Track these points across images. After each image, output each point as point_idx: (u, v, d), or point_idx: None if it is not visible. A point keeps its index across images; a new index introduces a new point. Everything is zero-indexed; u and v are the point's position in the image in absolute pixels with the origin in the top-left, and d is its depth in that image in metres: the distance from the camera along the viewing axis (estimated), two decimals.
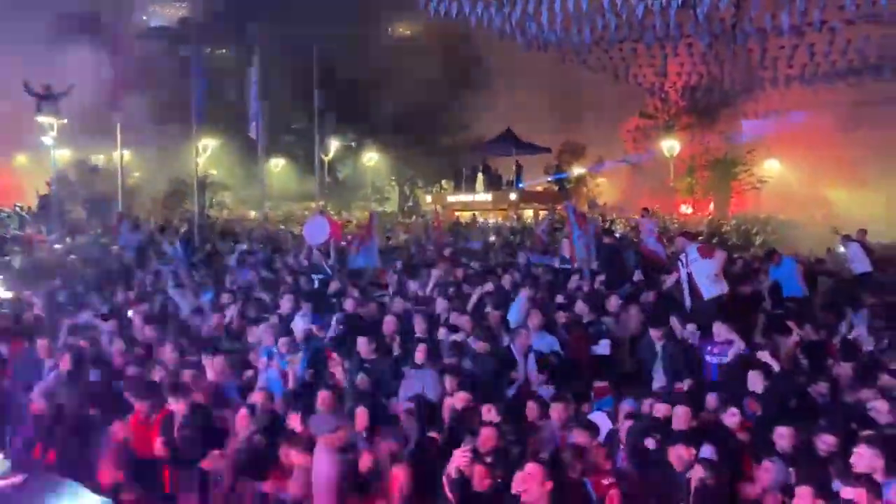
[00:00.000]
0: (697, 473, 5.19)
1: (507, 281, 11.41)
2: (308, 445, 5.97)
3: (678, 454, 5.53)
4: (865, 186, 33.96)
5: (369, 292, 11.40)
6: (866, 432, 5.73)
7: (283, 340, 8.62)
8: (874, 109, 31.83)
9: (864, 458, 4.88)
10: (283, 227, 27.87)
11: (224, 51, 39.92)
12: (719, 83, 33.65)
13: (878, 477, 4.84)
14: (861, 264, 14.32)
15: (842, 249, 16.16)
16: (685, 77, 34.24)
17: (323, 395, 7.10)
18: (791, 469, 5.44)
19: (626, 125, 41.48)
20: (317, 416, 6.55)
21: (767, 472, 5.32)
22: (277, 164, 41.43)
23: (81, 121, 29.99)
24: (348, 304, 10.09)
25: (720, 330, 8.32)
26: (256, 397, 7.04)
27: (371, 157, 43.02)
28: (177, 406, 6.86)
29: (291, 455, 5.83)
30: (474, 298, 10.28)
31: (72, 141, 31.81)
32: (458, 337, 8.68)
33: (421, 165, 43.19)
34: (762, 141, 37.96)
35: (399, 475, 5.06)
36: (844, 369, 7.84)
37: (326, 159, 37.13)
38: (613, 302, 9.81)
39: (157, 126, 33.11)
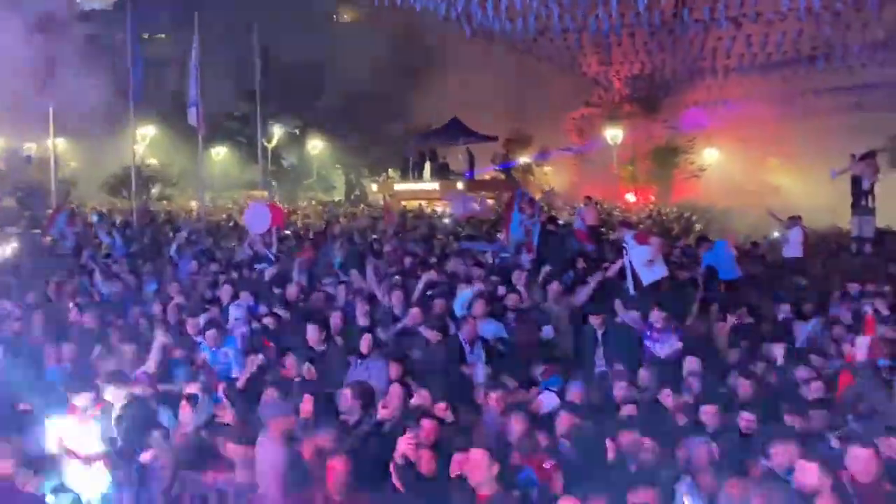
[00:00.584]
0: (639, 453, 5.29)
1: (454, 268, 11.44)
2: (248, 436, 5.90)
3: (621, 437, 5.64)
4: (801, 174, 35.10)
5: (316, 281, 11.31)
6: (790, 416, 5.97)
7: (211, 334, 8.47)
8: (808, 99, 32.87)
9: (781, 454, 5.03)
10: (224, 216, 27.37)
11: (163, 36, 38.89)
12: (661, 73, 34.30)
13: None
14: (795, 249, 14.80)
15: (777, 234, 16.68)
16: (628, 66, 34.78)
17: (267, 395, 7.05)
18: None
19: (571, 114, 41.89)
20: (264, 404, 6.48)
21: (698, 451, 5.47)
22: (220, 152, 40.64)
23: (12, 108, 28.83)
24: (290, 293, 9.98)
25: (657, 317, 8.52)
26: (196, 388, 6.92)
27: (316, 146, 42.54)
28: (115, 398, 6.70)
29: (229, 448, 5.75)
30: (420, 287, 10.27)
31: (2, 129, 30.60)
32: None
33: (367, 153, 42.90)
34: (702, 130, 38.82)
35: (336, 465, 5.03)
36: (776, 350, 8.10)
37: (270, 147, 36.56)
38: (555, 288, 9.93)
39: (92, 114, 32.08)
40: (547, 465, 5.23)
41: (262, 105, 29.86)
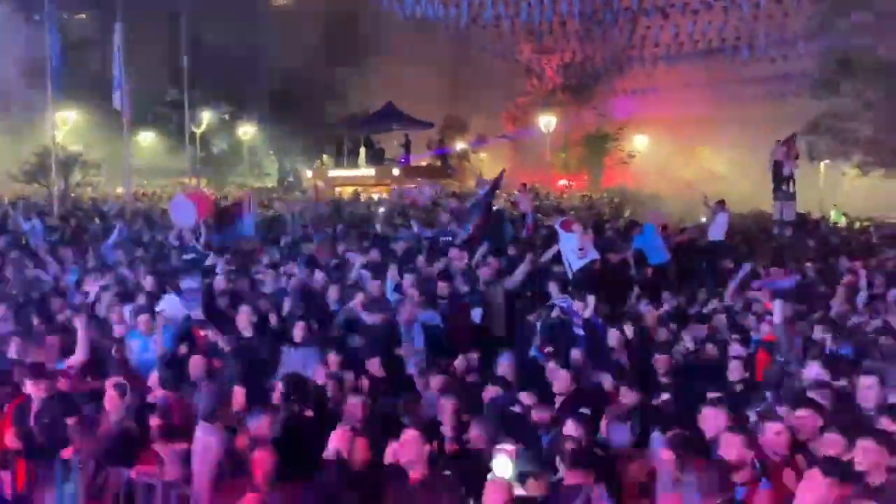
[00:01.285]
0: (569, 431, 5.38)
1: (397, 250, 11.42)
2: (181, 429, 5.76)
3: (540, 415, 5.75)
4: (726, 160, 36.25)
5: (244, 267, 11.09)
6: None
7: (143, 319, 8.23)
8: (733, 88, 33.93)
9: (709, 418, 5.22)
10: (151, 203, 26.54)
11: (83, 16, 37.32)
12: (591, 61, 34.85)
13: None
14: (719, 232, 15.28)
15: (704, 219, 17.17)
16: (560, 55, 35.21)
17: (195, 364, 6.86)
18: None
19: (506, 102, 42.22)
20: (201, 395, 6.32)
21: (617, 434, 5.63)
22: (147, 138, 39.36)
23: None
24: (218, 281, 9.75)
25: (583, 303, 8.69)
26: (122, 379, 6.68)
27: (247, 131, 41.65)
28: (35, 392, 6.42)
29: (159, 445, 5.60)
30: (355, 270, 10.19)
31: None
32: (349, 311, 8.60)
33: (301, 139, 42.24)
34: (631, 117, 39.69)
35: (262, 458, 4.96)
36: (700, 331, 8.38)
37: (198, 132, 35.57)
38: (487, 272, 9.99)
39: (9, 97, 30.59)
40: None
41: (191, 89, 28.94)
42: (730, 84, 34.48)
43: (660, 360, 7.19)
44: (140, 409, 6.40)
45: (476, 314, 9.04)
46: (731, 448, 4.64)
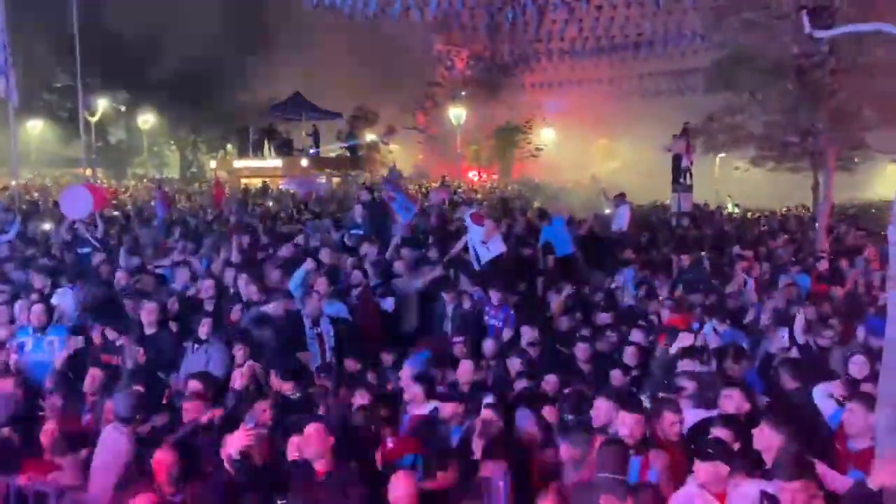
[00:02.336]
0: (485, 417, 5.44)
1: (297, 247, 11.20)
2: (75, 434, 5.49)
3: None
4: (628, 153, 37.52)
5: (147, 263, 10.66)
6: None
7: (36, 313, 7.78)
8: (634, 83, 35.05)
9: (602, 409, 5.42)
10: (39, 195, 25.08)
11: None
12: (500, 54, 35.23)
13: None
14: (622, 224, 15.79)
15: (608, 211, 17.69)
16: (469, 47, 35.42)
17: (94, 373, 6.58)
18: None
19: (416, 93, 42.18)
20: (120, 395, 6.02)
21: (524, 420, 5.76)
22: (36, 126, 37.20)
23: None
24: (120, 277, 9.33)
25: (494, 294, 8.82)
26: (7, 384, 6.30)
27: (147, 120, 39.98)
28: None
29: (56, 453, 5.31)
30: (268, 266, 9.98)
31: None
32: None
33: (204, 129, 40.91)
34: (539, 111, 40.48)
35: (163, 458, 4.79)
36: (604, 318, 8.64)
37: (93, 121, 33.85)
38: (400, 266, 9.98)
39: None
40: (391, 443, 5.27)
41: (85, 76, 27.45)
42: (632, 79, 35.62)
43: (580, 349, 7.33)
44: (28, 413, 6.07)
45: (388, 304, 8.99)
46: (625, 427, 4.87)
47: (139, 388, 6.15)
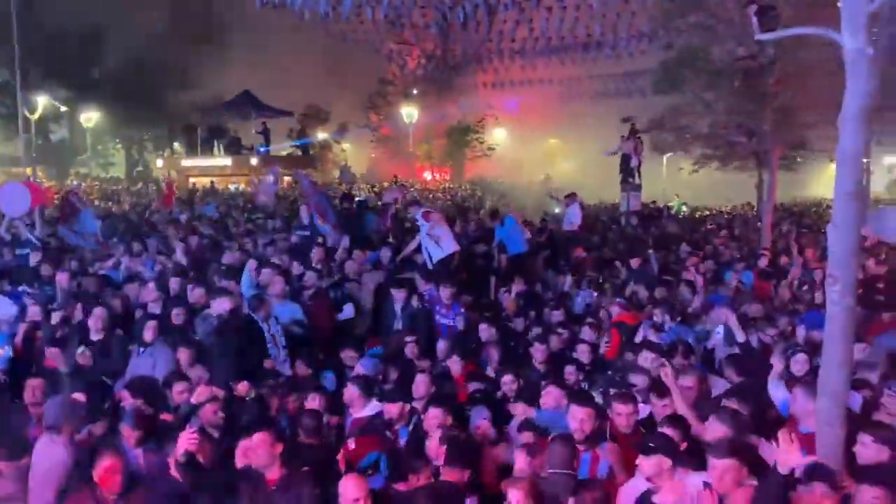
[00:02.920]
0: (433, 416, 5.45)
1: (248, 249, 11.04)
2: (14, 444, 5.29)
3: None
4: (578, 153, 37.96)
5: (88, 263, 10.37)
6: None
7: None
8: (583, 84, 35.53)
9: (552, 395, 5.58)
10: None
11: None
12: (452, 53, 35.29)
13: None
14: (574, 223, 15.96)
15: (557, 210, 17.87)
16: (420, 46, 35.41)
17: (33, 383, 6.36)
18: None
19: (368, 92, 41.97)
20: (50, 403, 5.81)
21: (477, 415, 5.79)
22: None
23: None
24: (61, 278, 9.05)
25: (445, 293, 8.82)
26: None
27: (91, 118, 38.90)
28: None
29: None
30: (213, 267, 9.79)
31: None
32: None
33: (151, 127, 39.99)
34: (491, 110, 40.67)
35: (109, 464, 4.66)
36: (556, 316, 8.72)
37: (33, 118, 32.79)
38: (352, 266, 9.90)
39: None
40: (353, 445, 5.23)
41: (25, 72, 26.54)
42: (581, 80, 36.11)
43: (538, 350, 7.39)
44: None
45: (348, 310, 8.91)
46: (574, 420, 4.93)
47: (79, 395, 5.97)
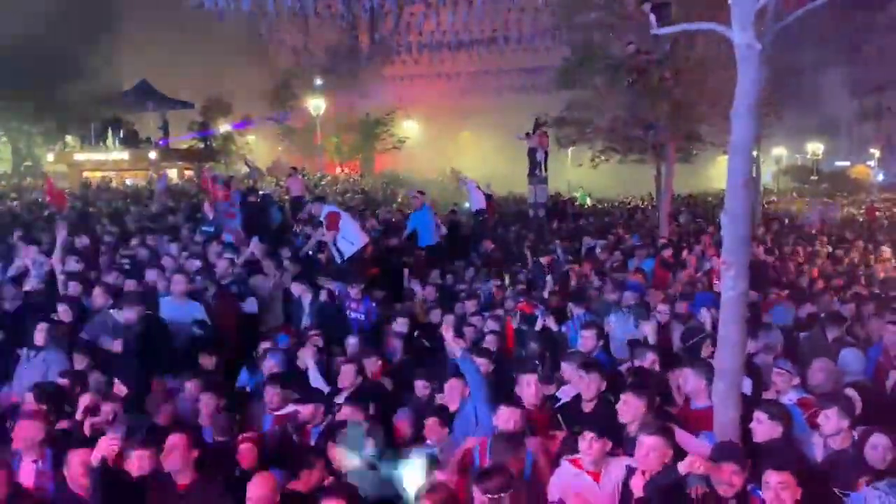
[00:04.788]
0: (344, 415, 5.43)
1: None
2: None
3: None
4: (486, 146, 38.41)
5: None
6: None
7: None
8: (490, 78, 35.96)
9: (452, 389, 5.67)
10: None
11: None
12: (358, 45, 34.98)
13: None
14: (477, 203, 16.18)
15: (466, 205, 18.08)
16: (326, 37, 34.94)
17: None
18: None
19: (273, 83, 40.97)
20: None
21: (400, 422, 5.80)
22: None
23: None
24: None
25: (354, 289, 8.77)
26: None
27: None
28: None
29: None
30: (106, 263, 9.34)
31: None
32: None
33: (40, 119, 37.66)
34: (400, 103, 40.56)
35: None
36: (469, 307, 8.82)
37: None
38: (266, 264, 9.67)
39: None
40: (245, 445, 5.10)
41: None
42: (489, 74, 36.53)
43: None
44: None
45: (251, 303, 8.68)
46: (500, 420, 4.96)
47: None
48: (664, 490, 3.99)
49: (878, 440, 4.37)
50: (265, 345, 7.44)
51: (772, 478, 3.87)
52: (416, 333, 8.11)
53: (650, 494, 4.06)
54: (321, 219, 10.52)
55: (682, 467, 3.93)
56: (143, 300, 7.58)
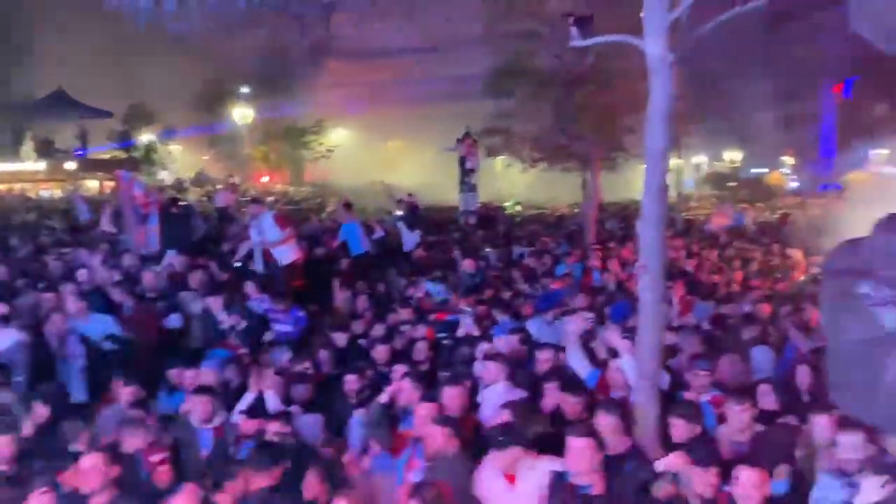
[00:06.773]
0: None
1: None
2: None
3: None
4: (415, 155, 38.47)
5: None
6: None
7: None
8: (420, 86, 36.04)
9: (405, 390, 5.69)
10: None
11: None
12: (287, 53, 34.56)
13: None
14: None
15: (399, 212, 18.04)
16: (253, 43, 34.37)
17: None
18: None
19: (198, 90, 39.99)
20: None
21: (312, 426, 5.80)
22: None
23: None
24: None
25: (278, 301, 8.64)
26: None
27: None
28: None
29: None
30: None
31: None
32: None
33: None
34: (330, 111, 40.21)
35: None
36: (402, 315, 8.79)
37: None
38: (195, 277, 9.41)
39: None
40: (154, 459, 4.94)
41: None
42: (419, 83, 36.56)
43: (379, 351, 7.31)
44: None
45: (175, 319, 8.42)
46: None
47: None
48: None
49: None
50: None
51: (742, 472, 3.96)
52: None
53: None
54: (258, 222, 10.28)
55: (661, 465, 4.01)
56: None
